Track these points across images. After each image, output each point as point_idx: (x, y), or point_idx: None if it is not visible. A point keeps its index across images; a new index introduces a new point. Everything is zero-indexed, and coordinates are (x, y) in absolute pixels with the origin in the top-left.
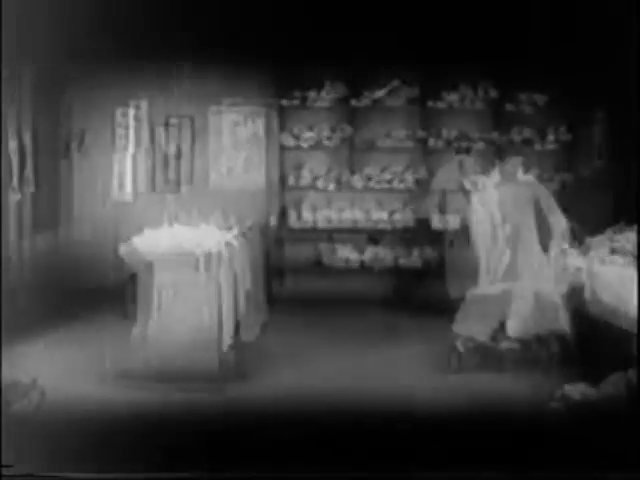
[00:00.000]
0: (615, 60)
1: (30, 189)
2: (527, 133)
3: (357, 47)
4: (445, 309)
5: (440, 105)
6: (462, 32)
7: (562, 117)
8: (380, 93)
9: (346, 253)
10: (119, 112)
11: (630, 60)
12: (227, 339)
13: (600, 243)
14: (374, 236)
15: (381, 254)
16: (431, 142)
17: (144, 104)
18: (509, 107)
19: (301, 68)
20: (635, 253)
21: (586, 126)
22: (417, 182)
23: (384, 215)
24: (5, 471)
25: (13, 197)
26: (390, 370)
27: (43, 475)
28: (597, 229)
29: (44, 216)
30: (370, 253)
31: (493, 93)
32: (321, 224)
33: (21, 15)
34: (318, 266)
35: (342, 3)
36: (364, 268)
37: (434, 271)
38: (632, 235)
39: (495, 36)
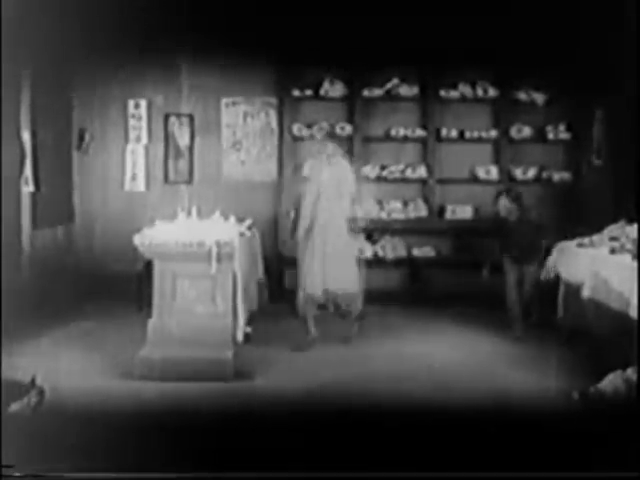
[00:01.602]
0: (615, 59)
1: (31, 188)
2: (526, 131)
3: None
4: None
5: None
6: (461, 31)
7: (561, 116)
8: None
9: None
10: (131, 105)
11: (630, 59)
12: (240, 331)
13: (599, 241)
14: (372, 235)
15: (380, 252)
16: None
17: (157, 98)
18: (508, 105)
19: (312, 59)
20: (635, 252)
21: (585, 125)
22: (430, 172)
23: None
24: (5, 471)
25: (25, 190)
26: (394, 366)
27: (43, 475)
28: (596, 228)
29: (50, 211)
30: (372, 251)
31: (492, 92)
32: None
33: (22, 13)
34: None
35: None
36: (377, 260)
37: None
38: (632, 234)
39: (494, 35)
